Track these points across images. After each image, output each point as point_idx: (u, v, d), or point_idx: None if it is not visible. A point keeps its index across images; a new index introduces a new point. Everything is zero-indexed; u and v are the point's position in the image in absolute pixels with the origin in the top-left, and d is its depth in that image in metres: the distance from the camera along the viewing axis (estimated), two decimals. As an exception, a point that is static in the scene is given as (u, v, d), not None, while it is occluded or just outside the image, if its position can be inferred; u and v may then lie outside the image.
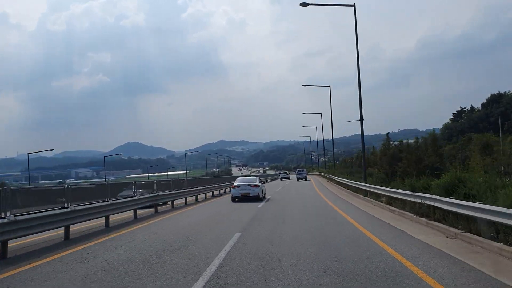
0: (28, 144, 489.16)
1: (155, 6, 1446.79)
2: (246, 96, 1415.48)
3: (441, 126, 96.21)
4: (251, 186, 22.72)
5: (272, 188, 34.83)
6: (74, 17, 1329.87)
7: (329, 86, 45.17)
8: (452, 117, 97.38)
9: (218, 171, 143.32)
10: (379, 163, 29.23)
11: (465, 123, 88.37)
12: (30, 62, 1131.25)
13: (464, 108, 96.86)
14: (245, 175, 49.09)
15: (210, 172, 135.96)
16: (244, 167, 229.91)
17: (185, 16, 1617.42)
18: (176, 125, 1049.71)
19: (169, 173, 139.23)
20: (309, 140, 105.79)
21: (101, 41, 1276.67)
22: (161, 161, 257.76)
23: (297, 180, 59.87)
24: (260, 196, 22.79)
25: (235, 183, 23.56)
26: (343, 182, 30.24)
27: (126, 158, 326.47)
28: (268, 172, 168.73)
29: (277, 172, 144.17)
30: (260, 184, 23.92)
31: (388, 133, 33.97)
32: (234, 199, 22.49)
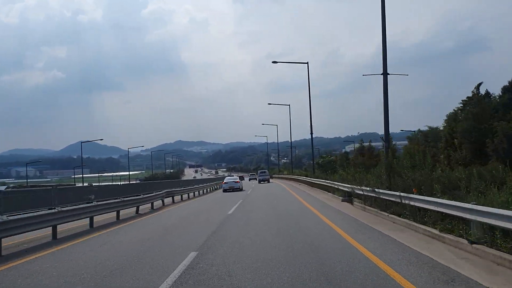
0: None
1: (114, 1, 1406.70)
2: (207, 96, 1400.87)
3: (399, 130, 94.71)
4: (235, 182, 38.36)
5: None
6: (29, 9, 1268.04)
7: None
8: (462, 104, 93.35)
9: (172, 171, 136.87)
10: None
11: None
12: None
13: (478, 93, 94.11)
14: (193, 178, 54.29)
15: (161, 173, 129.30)
16: (199, 168, 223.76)
17: (146, 13, 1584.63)
18: (133, 124, 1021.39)
19: (119, 173, 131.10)
20: (266, 140, 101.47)
21: (57, 35, 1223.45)
22: (111, 160, 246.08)
23: (259, 182, 56.96)
24: (240, 187, 37.74)
25: (226, 181, 40.41)
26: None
27: (75, 157, 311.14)
28: (221, 174, 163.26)
29: (228, 174, 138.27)
30: (240, 181, 40.76)
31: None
32: (225, 190, 36.74)
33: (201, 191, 36.22)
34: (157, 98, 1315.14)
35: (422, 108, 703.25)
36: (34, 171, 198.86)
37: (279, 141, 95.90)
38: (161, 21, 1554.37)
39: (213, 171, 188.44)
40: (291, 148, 69.44)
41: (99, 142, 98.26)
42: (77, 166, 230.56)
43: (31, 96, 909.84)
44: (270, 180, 59.85)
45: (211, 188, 45.03)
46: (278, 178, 65.84)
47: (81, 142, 73.50)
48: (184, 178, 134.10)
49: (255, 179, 69.30)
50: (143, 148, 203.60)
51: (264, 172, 64.82)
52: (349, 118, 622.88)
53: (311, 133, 37.85)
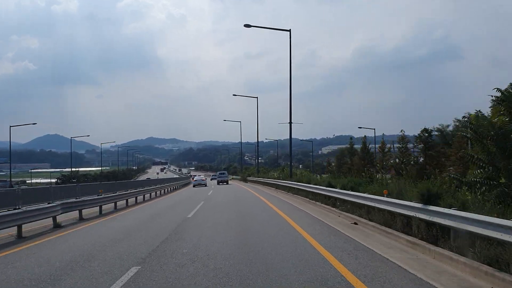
0: None
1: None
2: (182, 94, 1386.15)
3: (377, 134, 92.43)
4: (202, 180, 53.34)
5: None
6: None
7: (257, 97, 53.53)
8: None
9: (136, 168, 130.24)
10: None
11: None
12: None
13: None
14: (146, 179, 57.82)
15: (125, 170, 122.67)
16: (165, 166, 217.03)
17: (122, 6, 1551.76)
18: (104, 119, 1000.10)
19: (80, 169, 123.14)
20: (241, 139, 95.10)
21: (29, 25, 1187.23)
22: (74, 155, 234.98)
23: (218, 183, 55.46)
24: (205, 184, 51.33)
25: (195, 179, 55.81)
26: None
27: (38, 150, 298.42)
28: (184, 171, 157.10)
29: (192, 173, 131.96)
30: (205, 179, 55.42)
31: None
32: (194, 186, 50.87)
33: (155, 192, 31.16)
34: (130, 94, 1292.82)
35: (397, 113, 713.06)
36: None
37: (254, 142, 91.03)
38: (139, 14, 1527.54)
39: (176, 170, 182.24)
40: (257, 147, 62.78)
41: (67, 136, 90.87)
42: (40, 161, 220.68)
43: (0, 86, 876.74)
44: (246, 182, 57.05)
45: (169, 189, 40.95)
46: (255, 182, 51.36)
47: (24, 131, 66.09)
48: (145, 176, 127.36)
49: (215, 178, 68.63)
50: (113, 144, 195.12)
51: (223, 173, 64.75)
52: (324, 120, 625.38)
53: (290, 124, 30.87)
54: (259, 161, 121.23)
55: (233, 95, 57.99)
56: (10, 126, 57.34)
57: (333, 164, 50.34)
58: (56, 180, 79.56)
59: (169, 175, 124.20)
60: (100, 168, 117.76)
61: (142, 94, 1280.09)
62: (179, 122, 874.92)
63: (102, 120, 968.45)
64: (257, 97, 53.58)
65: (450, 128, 34.78)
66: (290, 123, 31.28)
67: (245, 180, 62.38)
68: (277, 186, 33.15)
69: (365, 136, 38.21)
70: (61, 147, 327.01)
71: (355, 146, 42.05)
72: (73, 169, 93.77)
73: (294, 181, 27.43)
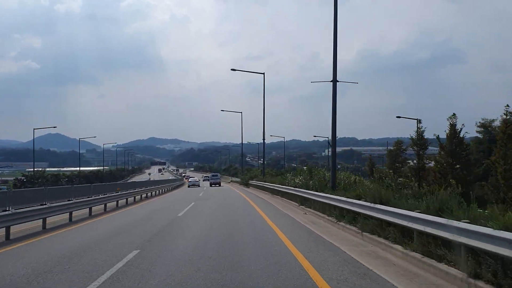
0: None
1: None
2: (183, 94, 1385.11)
3: (378, 137, 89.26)
4: (196, 181, 60.19)
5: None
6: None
7: (241, 112, 53.69)
8: None
9: (133, 168, 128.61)
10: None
11: None
12: None
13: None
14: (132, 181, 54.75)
15: (122, 169, 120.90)
16: (164, 166, 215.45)
17: (124, 5, 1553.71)
18: (106, 119, 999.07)
19: (75, 168, 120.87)
20: (241, 139, 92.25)
21: (32, 24, 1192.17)
22: (73, 154, 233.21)
23: (211, 185, 57.65)
24: (199, 185, 57.00)
25: (190, 180, 63.47)
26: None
27: (37, 149, 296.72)
28: (180, 171, 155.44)
29: (190, 174, 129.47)
30: (199, 180, 65.15)
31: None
32: (189, 186, 56.11)
33: (147, 194, 29.58)
34: (132, 93, 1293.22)
35: (395, 117, 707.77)
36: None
37: (258, 142, 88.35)
38: (141, 14, 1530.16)
39: (174, 170, 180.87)
40: (263, 145, 60.87)
41: (68, 135, 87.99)
42: (39, 159, 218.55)
43: (3, 85, 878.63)
44: (247, 187, 48.23)
45: (162, 190, 39.16)
46: (259, 188, 38.80)
47: (34, 129, 63.62)
48: (141, 177, 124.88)
49: (208, 180, 72.79)
50: (114, 144, 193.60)
51: (216, 175, 67.91)
52: (327, 122, 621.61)
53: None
54: (260, 162, 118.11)
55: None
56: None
57: (383, 167, 36.87)
58: (14, 179, 69.69)
59: (166, 176, 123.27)
60: (101, 167, 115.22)
61: (144, 94, 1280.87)
62: (180, 123, 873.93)
63: (104, 119, 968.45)
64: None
65: (497, 123, 27.35)
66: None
67: (246, 184, 49.89)
68: (304, 200, 19.38)
69: (454, 114, 22.01)
70: (62, 147, 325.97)
71: (354, 148, 38.87)
72: (40, 169, 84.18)
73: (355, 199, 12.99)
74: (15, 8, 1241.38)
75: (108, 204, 20.30)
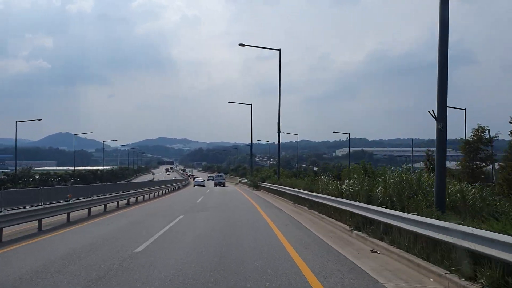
0: None
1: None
2: (193, 94, 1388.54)
3: (388, 138, 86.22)
4: (201, 181, 65.52)
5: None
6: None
7: (251, 104, 54.03)
8: None
9: (140, 167, 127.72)
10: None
11: None
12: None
13: None
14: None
15: (119, 169, 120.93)
16: (172, 166, 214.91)
17: (135, 6, 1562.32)
18: (116, 118, 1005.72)
19: (87, 168, 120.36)
20: (251, 139, 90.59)
21: (44, 24, 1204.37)
22: (82, 153, 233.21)
23: (215, 186, 58.83)
24: (204, 184, 61.58)
25: (195, 180, 68.25)
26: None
27: (47, 148, 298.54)
28: (187, 171, 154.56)
29: (197, 174, 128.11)
30: (204, 180, 72.20)
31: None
32: (194, 186, 60.35)
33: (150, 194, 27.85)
34: (141, 93, 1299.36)
35: (405, 118, 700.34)
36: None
37: (271, 143, 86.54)
38: (153, 14, 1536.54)
39: (181, 170, 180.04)
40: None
41: (79, 135, 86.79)
42: (48, 158, 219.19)
43: (14, 84, 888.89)
44: (258, 190, 42.12)
45: (162, 192, 37.20)
46: (275, 192, 31.26)
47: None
48: (146, 177, 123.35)
49: (212, 180, 75.58)
50: (124, 143, 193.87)
51: (221, 176, 68.87)
52: (337, 123, 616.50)
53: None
54: (270, 162, 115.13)
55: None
56: (16, 122, 53.98)
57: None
58: None
59: (172, 176, 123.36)
60: (109, 167, 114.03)
61: (154, 94, 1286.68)
62: (190, 123, 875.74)
63: (113, 119, 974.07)
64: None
65: None
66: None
67: (257, 187, 43.55)
68: (365, 224, 11.20)
69: None
70: (71, 145, 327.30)
71: (365, 148, 36.34)
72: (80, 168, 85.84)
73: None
74: (27, 8, 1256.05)
75: (82, 211, 17.69)
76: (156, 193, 34.79)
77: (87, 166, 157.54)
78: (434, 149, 9.59)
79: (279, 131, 34.39)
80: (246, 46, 33.60)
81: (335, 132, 68.02)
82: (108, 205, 20.23)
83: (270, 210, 20.22)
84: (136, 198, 26.56)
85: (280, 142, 37.77)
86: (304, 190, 20.21)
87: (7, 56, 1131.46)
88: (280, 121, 33.54)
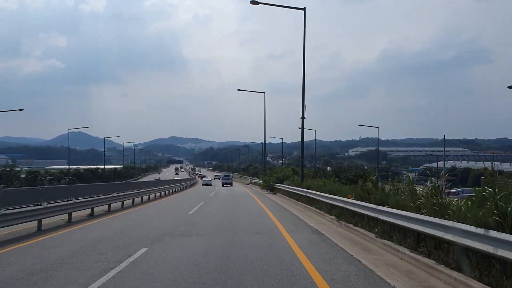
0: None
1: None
2: (204, 93, 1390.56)
3: (401, 138, 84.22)
4: (209, 180, 71.03)
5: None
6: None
7: (264, 93, 51.21)
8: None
9: (147, 166, 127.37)
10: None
11: None
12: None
13: None
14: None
15: (124, 168, 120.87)
16: (182, 165, 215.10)
17: (148, 5, 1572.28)
18: (128, 118, 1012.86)
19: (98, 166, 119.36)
20: (264, 138, 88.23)
21: (57, 24, 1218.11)
22: (93, 152, 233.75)
23: (222, 185, 60.20)
24: (211, 184, 64.93)
25: (203, 179, 73.38)
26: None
27: (59, 146, 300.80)
28: (203, 172, 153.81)
29: (205, 173, 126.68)
30: (212, 179, 78.57)
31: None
32: (202, 185, 63.40)
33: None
34: (153, 92, 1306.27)
35: (417, 117, 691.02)
36: (6, 159, 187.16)
37: (283, 142, 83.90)
38: (165, 13, 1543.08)
39: (191, 169, 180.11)
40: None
41: (91, 133, 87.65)
42: (59, 157, 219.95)
43: (27, 84, 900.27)
44: (273, 192, 36.57)
45: (162, 193, 35.61)
46: (290, 194, 27.69)
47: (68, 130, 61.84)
48: (151, 176, 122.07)
49: (219, 179, 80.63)
50: (136, 142, 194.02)
51: (228, 175, 70.90)
52: (349, 122, 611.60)
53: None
54: (282, 161, 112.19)
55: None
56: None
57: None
58: None
59: (181, 175, 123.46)
60: (119, 166, 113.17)
61: (166, 93, 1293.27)
62: (201, 122, 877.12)
63: (125, 118, 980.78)
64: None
65: None
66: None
67: (272, 189, 37.91)
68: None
69: None
70: (85, 145, 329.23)
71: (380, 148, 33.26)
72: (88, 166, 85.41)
73: None
74: (41, 7, 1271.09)
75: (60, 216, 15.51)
76: (153, 195, 31.87)
77: (97, 165, 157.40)
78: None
79: (302, 117, 27.21)
80: (259, 4, 27.74)
81: (361, 125, 63.65)
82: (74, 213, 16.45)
83: (308, 237, 11.08)
84: (122, 202, 22.48)
85: (291, 142, 36.19)
86: (363, 202, 11.57)
87: (20, 55, 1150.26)
88: (304, 104, 27.26)
